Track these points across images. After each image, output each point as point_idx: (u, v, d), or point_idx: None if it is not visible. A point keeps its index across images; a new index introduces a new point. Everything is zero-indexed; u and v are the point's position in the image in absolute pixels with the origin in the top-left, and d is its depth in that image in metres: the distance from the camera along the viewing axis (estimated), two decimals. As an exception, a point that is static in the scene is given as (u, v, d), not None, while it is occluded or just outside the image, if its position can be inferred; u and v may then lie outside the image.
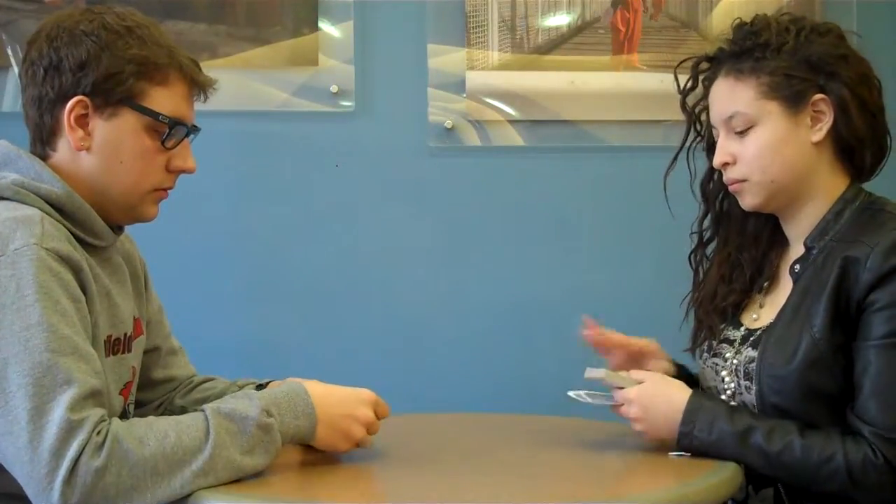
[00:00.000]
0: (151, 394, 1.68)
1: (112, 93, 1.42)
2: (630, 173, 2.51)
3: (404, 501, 1.32)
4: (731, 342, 1.64)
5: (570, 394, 1.58)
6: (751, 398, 1.56)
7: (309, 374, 1.67)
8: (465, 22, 2.50)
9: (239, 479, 1.33)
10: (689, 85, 1.68)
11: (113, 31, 1.43)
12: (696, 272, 1.76)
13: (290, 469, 1.42)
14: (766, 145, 1.56)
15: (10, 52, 2.41)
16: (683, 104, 1.69)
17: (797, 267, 1.58)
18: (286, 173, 2.51)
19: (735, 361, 1.60)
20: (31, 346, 1.26)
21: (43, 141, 1.46)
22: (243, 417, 1.34)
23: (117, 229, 1.51)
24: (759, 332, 1.60)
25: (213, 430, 1.31)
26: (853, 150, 1.58)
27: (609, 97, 2.53)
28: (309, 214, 2.51)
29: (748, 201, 1.61)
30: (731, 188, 1.62)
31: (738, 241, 1.69)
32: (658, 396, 1.53)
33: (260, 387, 1.67)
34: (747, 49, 1.58)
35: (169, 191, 1.51)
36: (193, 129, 1.51)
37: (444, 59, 2.51)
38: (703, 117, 1.68)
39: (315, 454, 1.46)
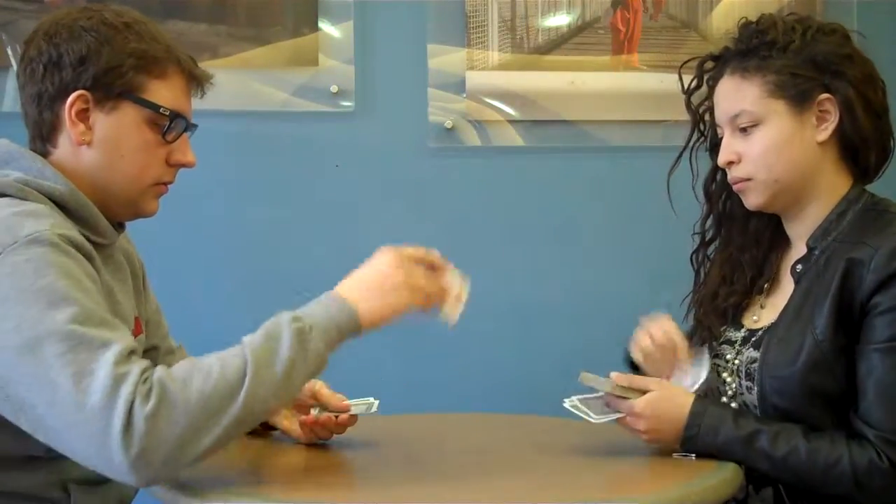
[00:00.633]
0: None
1: (112, 86, 1.42)
2: (630, 173, 2.52)
3: (404, 501, 1.31)
4: (731, 343, 1.64)
5: (567, 405, 1.54)
6: (752, 399, 1.56)
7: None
8: (465, 22, 2.50)
9: (247, 479, 1.32)
10: (693, 84, 1.68)
11: (112, 27, 1.43)
12: (697, 272, 1.76)
13: (289, 469, 1.42)
14: (771, 144, 1.56)
15: (10, 52, 2.41)
16: (688, 103, 1.69)
17: (799, 267, 1.58)
18: (286, 173, 2.51)
19: (736, 362, 1.60)
20: (60, 320, 1.23)
21: (43, 138, 1.46)
22: (277, 329, 1.32)
23: (118, 227, 1.51)
24: (760, 333, 1.60)
25: (249, 355, 1.28)
26: (858, 150, 1.58)
27: (609, 97, 2.53)
28: (309, 214, 2.51)
29: (752, 200, 1.60)
30: (735, 187, 1.62)
31: (739, 242, 1.69)
32: (666, 405, 1.50)
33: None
34: (753, 48, 1.58)
35: (169, 185, 1.51)
36: (191, 126, 1.51)
37: (444, 59, 2.51)
38: (707, 117, 1.68)
39: (315, 454, 1.46)
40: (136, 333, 1.55)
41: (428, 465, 1.48)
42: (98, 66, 1.41)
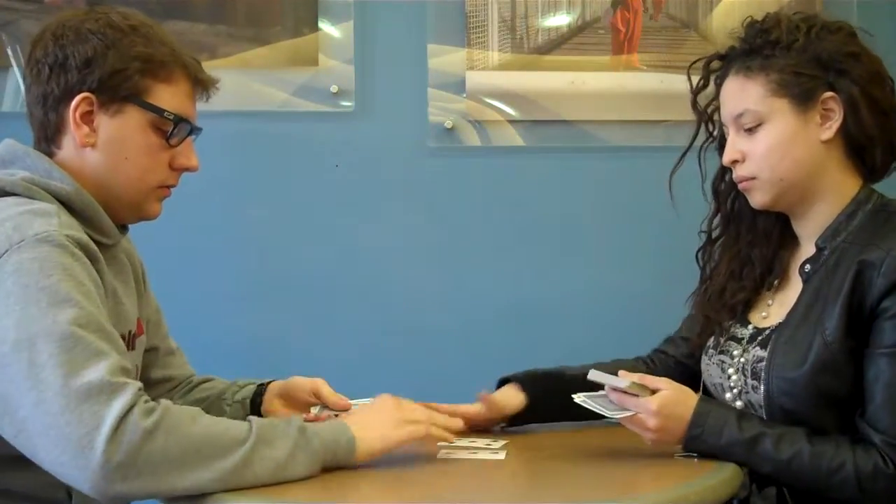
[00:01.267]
0: (150, 394, 1.65)
1: (118, 89, 1.43)
2: (630, 173, 2.51)
3: (404, 501, 1.31)
4: (738, 340, 1.63)
5: (577, 399, 1.53)
6: (758, 398, 1.55)
7: (309, 374, 1.68)
8: (465, 22, 2.50)
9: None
10: (700, 84, 1.67)
11: (118, 30, 1.44)
12: (703, 270, 1.75)
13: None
14: (775, 143, 1.55)
15: (9, 52, 2.41)
16: (695, 103, 1.69)
17: (807, 267, 1.57)
18: (286, 173, 2.51)
19: (742, 360, 1.60)
20: (60, 320, 1.24)
21: (48, 139, 1.46)
22: (284, 422, 1.33)
23: (122, 228, 1.52)
24: (767, 332, 1.59)
25: (255, 427, 1.29)
26: (863, 148, 1.57)
27: (609, 97, 2.53)
28: (309, 214, 2.51)
29: (757, 199, 1.60)
30: (740, 186, 1.61)
31: (749, 238, 1.68)
32: (676, 404, 1.49)
33: (260, 386, 1.68)
34: (757, 47, 1.57)
35: (172, 189, 1.52)
36: (196, 130, 1.51)
37: (444, 59, 2.51)
38: (716, 117, 1.68)
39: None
40: (138, 334, 1.56)
41: (428, 465, 1.48)
42: (103, 69, 1.42)
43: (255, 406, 1.68)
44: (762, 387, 1.54)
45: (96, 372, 1.21)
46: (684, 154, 1.70)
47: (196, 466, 1.22)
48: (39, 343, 1.23)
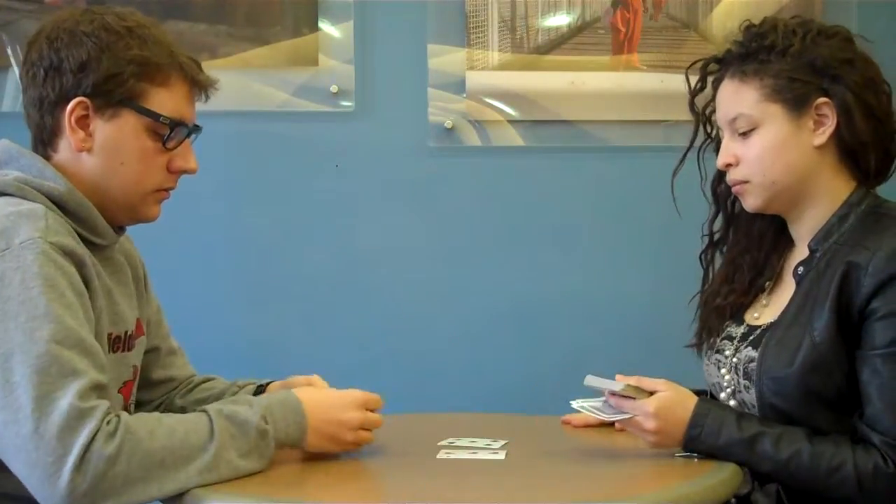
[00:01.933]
0: (151, 394, 1.68)
1: (112, 94, 1.42)
2: (630, 173, 2.51)
3: (404, 501, 1.31)
4: (731, 339, 1.64)
5: (574, 405, 1.54)
6: (750, 397, 1.56)
7: (309, 373, 1.67)
8: (465, 22, 2.50)
9: (246, 478, 1.35)
10: (697, 86, 1.68)
11: (113, 32, 1.42)
12: (706, 272, 1.76)
13: (288, 468, 1.42)
14: (768, 147, 1.56)
15: (10, 52, 2.41)
16: (692, 105, 1.69)
17: (800, 269, 1.58)
18: (286, 173, 2.51)
19: (735, 360, 1.61)
20: (37, 337, 1.26)
21: (44, 142, 1.46)
22: (244, 422, 1.36)
23: (119, 229, 1.51)
24: (759, 332, 1.60)
25: (216, 430, 1.33)
26: (857, 153, 1.57)
27: (609, 97, 2.53)
28: (309, 214, 2.51)
29: (750, 202, 1.61)
30: (733, 189, 1.63)
31: (744, 243, 1.70)
32: (675, 406, 1.49)
33: (260, 387, 1.68)
34: (753, 51, 1.58)
35: (171, 191, 1.52)
36: (195, 129, 1.51)
37: (444, 59, 2.51)
38: (714, 118, 1.68)
39: (313, 453, 1.46)
40: (137, 334, 1.56)
41: (428, 465, 1.48)
42: (98, 74, 1.41)
43: (254, 406, 1.68)
44: (753, 387, 1.55)
45: (67, 396, 1.24)
46: (685, 155, 1.70)
47: (159, 479, 1.27)
48: (14, 361, 1.25)
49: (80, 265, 1.36)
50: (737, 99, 1.58)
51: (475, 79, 2.51)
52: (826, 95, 1.55)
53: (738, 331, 1.64)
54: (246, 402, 1.41)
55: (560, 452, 1.58)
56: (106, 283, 1.46)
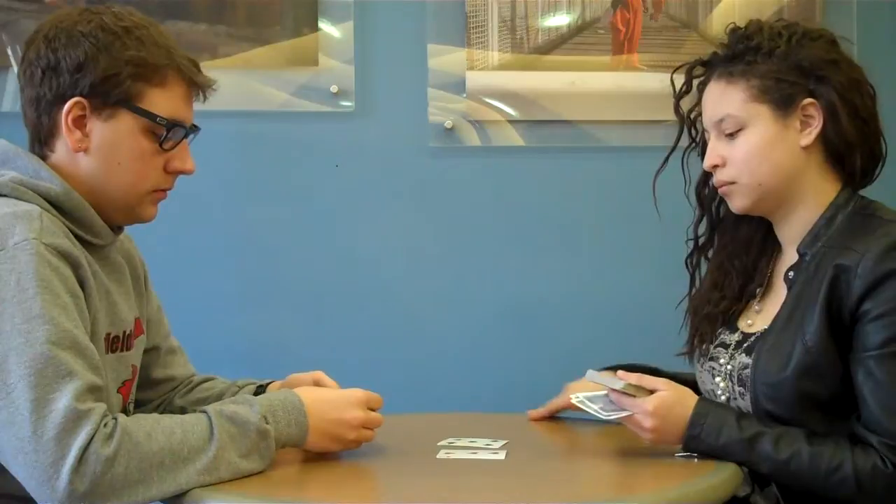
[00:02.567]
0: (151, 393, 1.68)
1: (110, 94, 1.42)
2: (630, 173, 2.50)
3: (404, 501, 1.32)
4: (726, 346, 1.64)
5: (574, 401, 1.55)
6: (745, 404, 1.56)
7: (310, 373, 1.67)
8: (465, 22, 2.50)
9: (247, 478, 1.35)
10: (683, 89, 1.69)
11: (111, 33, 1.42)
12: (692, 277, 1.76)
13: (289, 469, 1.42)
14: (755, 148, 1.57)
15: (10, 52, 2.41)
16: (677, 108, 1.70)
17: (791, 274, 1.58)
18: (286, 173, 2.51)
19: (729, 367, 1.61)
20: (33, 339, 1.26)
21: (41, 141, 1.46)
22: (244, 422, 1.36)
23: (116, 229, 1.51)
24: (753, 339, 1.60)
25: (216, 431, 1.33)
26: (843, 154, 1.58)
27: (609, 97, 2.53)
28: (309, 214, 2.51)
29: (737, 203, 1.61)
30: (720, 190, 1.63)
31: (731, 248, 1.70)
32: (674, 404, 1.50)
33: (260, 387, 1.68)
34: (739, 53, 1.59)
35: (168, 191, 1.51)
36: (193, 130, 1.50)
37: (444, 59, 2.51)
38: (699, 122, 1.68)
39: (314, 453, 1.46)
40: (137, 333, 1.56)
41: (427, 465, 1.48)
42: (95, 74, 1.41)
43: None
44: (748, 394, 1.55)
45: (64, 398, 1.24)
46: (668, 157, 1.71)
47: (158, 480, 1.28)
48: (10, 363, 1.25)
49: (75, 266, 1.36)
50: (723, 100, 1.59)
51: (475, 79, 2.51)
52: (812, 96, 1.56)
53: (731, 338, 1.65)
54: (246, 402, 1.41)
55: (560, 452, 1.58)
56: (103, 282, 1.46)
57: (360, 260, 2.52)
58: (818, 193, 1.58)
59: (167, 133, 1.46)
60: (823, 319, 1.48)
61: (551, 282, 2.53)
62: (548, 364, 2.50)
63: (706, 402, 1.53)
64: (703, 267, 1.76)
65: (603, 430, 1.69)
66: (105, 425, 1.26)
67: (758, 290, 1.67)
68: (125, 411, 1.51)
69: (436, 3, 2.50)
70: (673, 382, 1.54)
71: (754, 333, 1.61)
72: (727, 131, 1.59)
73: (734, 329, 1.66)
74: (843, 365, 1.49)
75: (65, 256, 1.34)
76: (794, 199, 1.59)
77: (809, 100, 1.56)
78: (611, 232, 2.55)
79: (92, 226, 1.44)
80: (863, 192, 1.62)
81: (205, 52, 2.42)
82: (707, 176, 1.69)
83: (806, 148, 1.57)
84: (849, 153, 1.57)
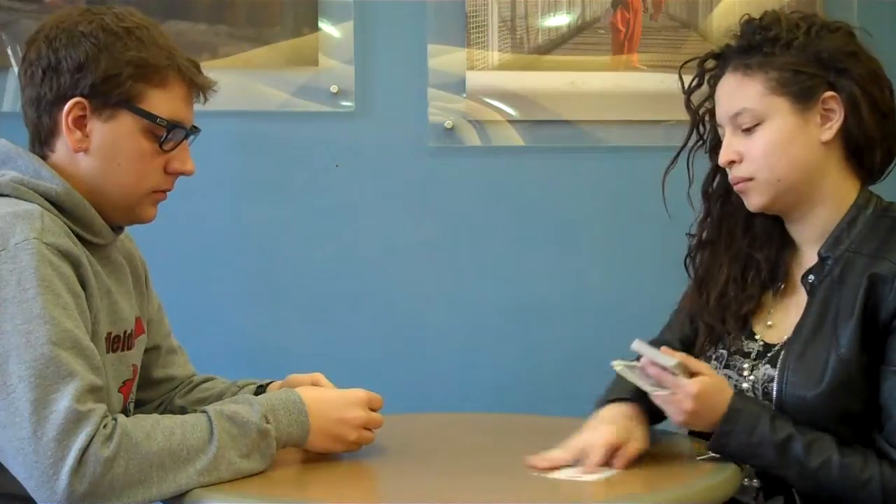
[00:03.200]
0: (151, 393, 1.68)
1: (110, 95, 1.42)
2: (630, 173, 2.51)
3: (404, 501, 1.32)
4: (746, 355, 1.59)
5: (617, 368, 1.47)
6: None
7: (309, 373, 1.67)
8: (465, 22, 2.50)
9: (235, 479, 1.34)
10: (694, 83, 1.63)
11: (112, 33, 1.42)
12: (694, 275, 1.69)
13: (289, 468, 1.42)
14: (774, 143, 1.51)
15: (10, 52, 2.41)
16: (688, 103, 1.64)
17: (811, 278, 1.53)
18: (286, 173, 2.51)
19: (752, 378, 1.55)
20: (33, 339, 1.26)
21: (41, 141, 1.46)
22: (245, 422, 1.36)
23: (117, 228, 1.51)
24: (776, 349, 1.55)
25: (216, 431, 1.33)
26: (863, 150, 1.53)
27: (609, 97, 2.53)
28: (309, 214, 2.51)
29: (754, 201, 1.56)
30: (736, 187, 1.57)
31: (747, 241, 1.63)
32: (716, 393, 1.44)
33: (260, 387, 1.68)
34: (756, 44, 1.53)
35: (167, 192, 1.51)
36: (193, 131, 1.50)
37: (444, 59, 2.51)
38: (708, 118, 1.63)
39: (314, 453, 1.46)
40: (137, 333, 1.56)
41: (428, 465, 1.48)
42: (96, 74, 1.41)
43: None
44: (774, 407, 1.49)
45: (64, 399, 1.24)
46: (677, 155, 1.66)
47: (158, 480, 1.28)
48: (11, 363, 1.25)
49: (76, 265, 1.36)
50: (740, 93, 1.53)
51: (475, 79, 2.51)
52: (833, 89, 1.51)
53: (752, 346, 1.59)
54: (247, 401, 1.41)
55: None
56: (104, 282, 1.46)
57: (360, 260, 2.52)
58: (837, 191, 1.54)
59: (167, 134, 1.46)
60: (858, 331, 1.44)
61: (551, 281, 2.53)
62: (548, 364, 2.50)
63: (742, 398, 1.47)
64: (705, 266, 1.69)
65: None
66: (104, 426, 1.26)
67: (780, 285, 1.61)
68: (125, 411, 1.51)
69: (436, 3, 2.50)
70: (713, 370, 1.50)
71: (776, 343, 1.56)
72: (744, 126, 1.53)
73: (751, 335, 1.60)
74: (874, 377, 1.45)
75: (66, 256, 1.34)
76: (812, 197, 1.54)
77: (830, 93, 1.51)
78: (611, 232, 2.55)
79: (92, 225, 1.44)
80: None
81: (205, 52, 2.42)
82: (715, 172, 1.64)
83: (826, 143, 1.52)
84: (869, 148, 1.53)
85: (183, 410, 1.59)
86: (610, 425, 1.47)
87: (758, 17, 1.57)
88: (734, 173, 1.56)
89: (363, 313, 2.50)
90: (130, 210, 1.49)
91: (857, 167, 1.55)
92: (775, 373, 1.51)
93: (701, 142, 1.66)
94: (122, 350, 1.50)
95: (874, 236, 1.50)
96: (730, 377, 1.58)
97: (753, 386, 1.55)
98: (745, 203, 1.58)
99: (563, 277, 2.53)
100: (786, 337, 1.54)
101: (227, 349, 2.32)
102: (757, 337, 1.60)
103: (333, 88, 2.48)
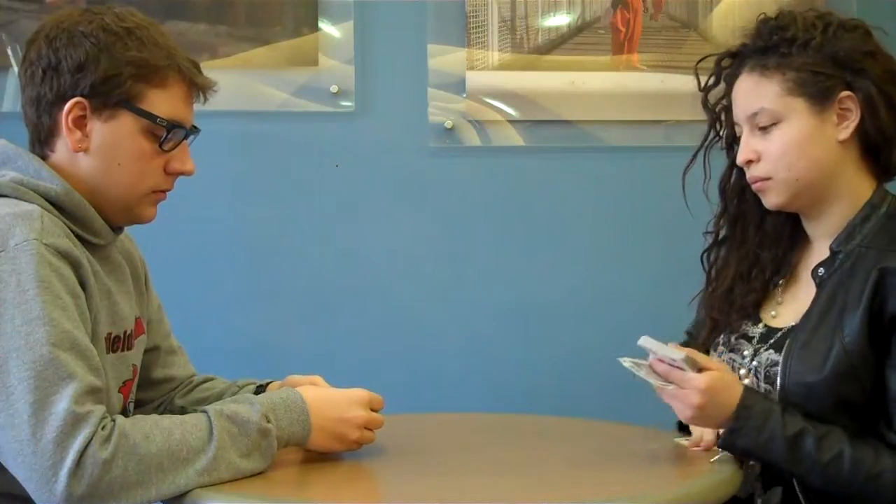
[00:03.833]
0: (151, 393, 1.68)
1: (110, 95, 1.42)
2: (630, 173, 2.51)
3: (404, 501, 1.32)
4: (749, 339, 1.60)
5: (625, 364, 1.47)
6: None
7: (309, 373, 1.67)
8: (465, 22, 2.50)
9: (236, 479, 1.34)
10: (711, 82, 1.64)
11: (112, 33, 1.42)
12: (708, 272, 1.71)
13: (289, 468, 1.42)
14: (792, 143, 1.52)
15: (10, 52, 2.41)
16: (705, 102, 1.65)
17: (821, 271, 1.54)
18: (286, 173, 2.51)
19: (755, 363, 1.56)
20: (33, 341, 1.26)
21: (41, 141, 1.46)
22: (245, 421, 1.36)
23: (117, 229, 1.51)
24: (780, 334, 1.56)
25: (216, 431, 1.33)
26: (879, 149, 1.54)
27: (609, 97, 2.53)
28: (309, 214, 2.51)
29: (772, 200, 1.57)
30: (754, 186, 1.58)
31: (757, 240, 1.65)
32: (725, 389, 1.43)
33: (260, 387, 1.68)
34: (773, 44, 1.54)
35: (167, 192, 1.51)
36: (193, 131, 1.51)
37: (444, 59, 2.51)
38: (724, 115, 1.64)
39: (315, 453, 1.46)
40: (137, 333, 1.56)
41: (428, 465, 1.48)
42: (96, 74, 1.41)
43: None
44: (776, 392, 1.50)
45: (64, 401, 1.24)
46: (696, 153, 1.67)
47: (157, 481, 1.28)
48: (11, 364, 1.26)
49: (75, 266, 1.36)
50: (758, 93, 1.54)
51: (475, 79, 2.51)
52: (849, 89, 1.52)
53: (755, 330, 1.61)
54: (247, 401, 1.40)
55: (560, 453, 1.58)
56: (104, 282, 1.46)
57: (360, 260, 2.52)
58: (853, 189, 1.55)
59: (167, 134, 1.46)
60: (864, 322, 1.44)
61: (551, 281, 2.53)
62: (548, 364, 2.50)
63: (753, 393, 1.47)
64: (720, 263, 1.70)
65: (602, 430, 1.69)
66: (103, 428, 1.26)
67: (780, 280, 1.63)
68: (125, 411, 1.51)
69: (436, 3, 2.50)
70: (724, 365, 1.50)
71: (781, 328, 1.57)
72: (761, 125, 1.54)
73: (756, 320, 1.62)
74: (878, 370, 1.45)
75: (65, 257, 1.34)
76: (829, 196, 1.55)
77: (847, 93, 1.51)
78: (610, 231, 2.55)
79: (92, 225, 1.44)
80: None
81: (205, 52, 2.42)
82: (732, 170, 1.65)
83: (843, 142, 1.53)
84: (886, 147, 1.54)
85: (183, 410, 1.59)
86: None
87: (774, 16, 1.58)
88: (752, 172, 1.57)
89: (363, 313, 2.50)
90: (130, 210, 1.49)
91: (873, 165, 1.56)
92: (779, 358, 1.52)
93: (718, 138, 1.67)
94: (122, 350, 1.50)
95: (886, 232, 1.51)
96: (734, 361, 1.60)
97: (756, 369, 1.55)
98: (763, 201, 1.60)
99: (563, 277, 2.53)
100: (792, 323, 1.55)
101: (227, 349, 2.32)
102: (762, 321, 1.61)
103: (333, 88, 2.48)
